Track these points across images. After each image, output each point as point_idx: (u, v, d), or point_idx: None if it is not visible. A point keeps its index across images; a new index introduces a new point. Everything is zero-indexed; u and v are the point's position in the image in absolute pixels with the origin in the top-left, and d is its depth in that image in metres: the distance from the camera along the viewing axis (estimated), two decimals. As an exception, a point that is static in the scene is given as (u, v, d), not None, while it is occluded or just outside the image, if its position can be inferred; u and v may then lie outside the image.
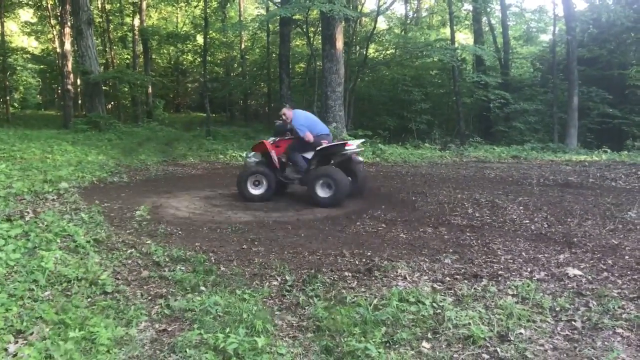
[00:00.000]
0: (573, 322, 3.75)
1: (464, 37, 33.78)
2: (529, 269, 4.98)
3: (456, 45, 24.09)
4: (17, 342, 3.28)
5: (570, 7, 21.50)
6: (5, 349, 3.17)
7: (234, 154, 15.51)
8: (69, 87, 23.52)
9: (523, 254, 5.52)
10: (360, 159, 9.44)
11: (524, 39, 29.80)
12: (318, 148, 8.60)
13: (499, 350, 3.34)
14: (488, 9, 25.53)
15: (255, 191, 8.79)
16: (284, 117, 8.97)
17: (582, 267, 5.01)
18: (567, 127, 21.01)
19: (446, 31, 29.79)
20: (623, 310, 3.91)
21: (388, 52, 27.55)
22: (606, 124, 21.87)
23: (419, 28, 31.45)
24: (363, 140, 9.18)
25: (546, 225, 6.82)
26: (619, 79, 22.66)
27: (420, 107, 24.15)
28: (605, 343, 3.47)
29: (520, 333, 3.57)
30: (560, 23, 24.81)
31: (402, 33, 29.19)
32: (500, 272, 4.86)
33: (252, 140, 19.07)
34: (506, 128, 23.55)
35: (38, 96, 41.41)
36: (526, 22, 28.44)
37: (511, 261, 5.26)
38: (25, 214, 6.32)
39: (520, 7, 27.11)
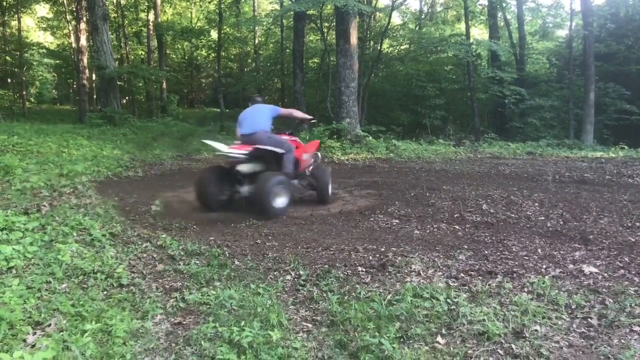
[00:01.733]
0: (589, 320, 3.72)
1: (479, 33, 33.60)
2: (544, 266, 4.94)
3: (471, 40, 23.95)
4: (35, 334, 3.32)
5: (588, 1, 21.29)
6: (24, 340, 3.22)
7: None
8: (84, 82, 23.71)
9: (538, 250, 5.48)
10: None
11: (540, 34, 29.59)
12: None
13: (514, 346, 3.32)
14: (504, 4, 25.36)
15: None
16: None
17: (598, 264, 4.96)
18: (584, 124, 20.86)
19: (461, 26, 29.63)
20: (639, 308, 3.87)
21: (402, 47, 27.45)
22: (623, 120, 21.68)
23: (434, 23, 31.33)
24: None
25: (562, 222, 6.77)
26: (637, 75, 22.42)
27: (435, 102, 24.06)
28: (622, 341, 3.43)
29: (536, 330, 3.55)
30: (577, 18, 24.56)
31: (417, 28, 29.07)
32: (515, 269, 4.83)
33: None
34: (521, 124, 23.41)
35: (54, 91, 41.79)
36: (542, 17, 28.18)
37: (526, 258, 5.22)
38: (42, 207, 6.39)
39: (536, 2, 26.86)
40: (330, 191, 8.31)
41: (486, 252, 5.43)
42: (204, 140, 8.57)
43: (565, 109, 23.18)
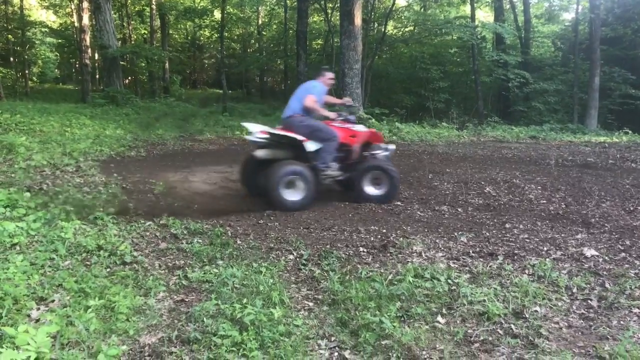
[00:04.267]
0: (589, 301, 3.75)
1: (485, 15, 33.30)
2: (545, 248, 4.96)
3: (476, 23, 23.76)
4: (39, 309, 3.36)
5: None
6: (28, 315, 3.25)
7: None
8: (87, 61, 23.59)
9: (540, 233, 5.49)
10: None
11: (545, 18, 29.34)
12: None
13: (513, 326, 3.34)
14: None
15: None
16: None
17: (599, 247, 4.98)
18: (587, 108, 20.77)
19: (466, 8, 29.33)
20: (638, 291, 3.89)
21: (407, 29, 27.25)
22: (628, 105, 21.55)
23: (439, 5, 30.97)
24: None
25: (564, 206, 6.78)
26: (642, 59, 22.24)
27: (439, 85, 23.92)
28: (621, 322, 3.46)
29: (536, 311, 3.57)
30: (584, 1, 24.33)
31: (422, 10, 28.81)
32: (516, 251, 4.85)
33: (268, 117, 19.06)
34: (525, 108, 23.30)
35: (56, 70, 41.55)
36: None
37: (528, 240, 5.24)
38: (45, 185, 6.41)
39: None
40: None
41: (487, 234, 5.45)
42: (242, 123, 7.97)
43: (570, 93, 23.05)
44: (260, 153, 6.79)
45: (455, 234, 5.43)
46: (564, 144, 14.62)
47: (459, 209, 6.63)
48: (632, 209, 6.59)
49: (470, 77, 25.30)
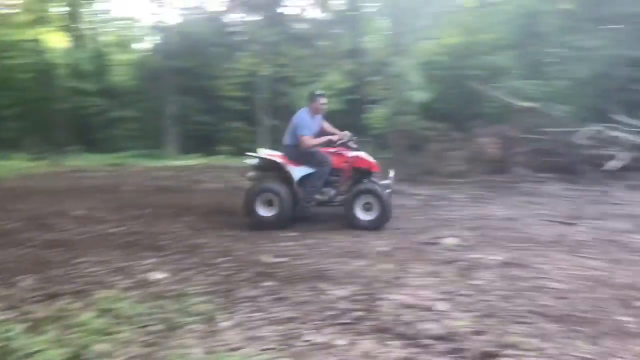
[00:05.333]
0: (150, 327, 3.79)
1: (58, 40, 32.02)
2: (116, 279, 4.88)
3: (49, 47, 22.61)
4: None
5: (163, 21, 22.58)
6: None
7: None
8: None
9: (111, 263, 5.39)
10: None
11: (120, 46, 29.94)
12: None
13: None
14: (80, 14, 24.77)
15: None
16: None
17: (166, 269, 5.16)
18: (165, 134, 22.03)
19: (38, 32, 27.63)
20: (198, 306, 4.14)
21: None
22: (200, 131, 23.67)
23: (5, 25, 28.35)
24: None
25: (136, 232, 6.86)
26: (209, 89, 24.78)
27: (10, 112, 21.84)
28: (182, 341, 3.59)
29: (98, 348, 3.43)
30: (155, 34, 25.74)
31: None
32: (84, 287, 4.62)
33: None
34: (107, 135, 23.28)
35: None
36: (120, 29, 28.65)
37: (98, 273, 5.07)
38: None
39: (110, 15, 27.24)
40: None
41: (54, 273, 5.08)
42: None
43: (149, 120, 24.03)
44: (249, 175, 7.54)
45: (16, 278, 4.89)
46: (144, 169, 15.09)
47: (26, 249, 6.03)
48: (200, 227, 7.13)
49: (46, 104, 23.90)
